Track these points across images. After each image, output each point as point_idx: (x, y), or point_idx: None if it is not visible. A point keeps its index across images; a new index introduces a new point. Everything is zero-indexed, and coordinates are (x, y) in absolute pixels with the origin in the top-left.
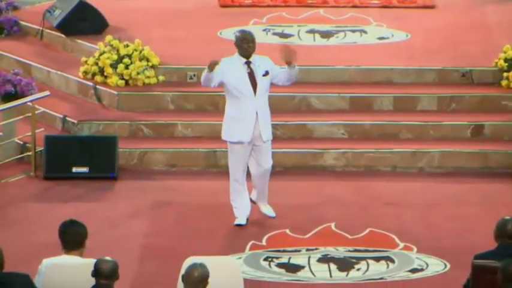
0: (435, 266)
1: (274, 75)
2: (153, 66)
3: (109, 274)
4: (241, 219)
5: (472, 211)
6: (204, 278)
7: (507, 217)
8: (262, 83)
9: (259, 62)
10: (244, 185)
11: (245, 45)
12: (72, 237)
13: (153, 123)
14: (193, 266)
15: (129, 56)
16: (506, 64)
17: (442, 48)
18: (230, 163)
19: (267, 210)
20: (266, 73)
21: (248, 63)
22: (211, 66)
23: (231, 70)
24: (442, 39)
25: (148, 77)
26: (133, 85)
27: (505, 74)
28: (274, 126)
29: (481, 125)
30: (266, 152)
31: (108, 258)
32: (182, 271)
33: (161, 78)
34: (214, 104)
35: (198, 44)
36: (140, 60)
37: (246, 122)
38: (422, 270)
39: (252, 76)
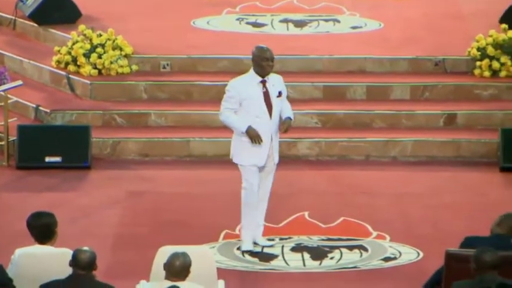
0: (408, 254)
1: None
2: (126, 56)
3: (86, 265)
4: (248, 244)
5: (445, 200)
6: (185, 266)
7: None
8: (277, 104)
9: (273, 80)
10: (257, 206)
11: (264, 63)
12: (40, 231)
13: (126, 112)
14: (175, 255)
15: (102, 46)
16: (479, 53)
17: (415, 38)
18: (244, 180)
19: (264, 242)
20: (279, 94)
21: (263, 82)
22: (252, 138)
23: (247, 91)
24: (415, 29)
25: (121, 66)
26: (107, 74)
27: (477, 63)
28: None
29: (454, 114)
30: (271, 172)
31: (86, 248)
32: (156, 260)
33: (134, 67)
34: (188, 93)
35: (171, 33)
36: (113, 49)
37: (262, 146)
38: (395, 258)
39: (267, 97)
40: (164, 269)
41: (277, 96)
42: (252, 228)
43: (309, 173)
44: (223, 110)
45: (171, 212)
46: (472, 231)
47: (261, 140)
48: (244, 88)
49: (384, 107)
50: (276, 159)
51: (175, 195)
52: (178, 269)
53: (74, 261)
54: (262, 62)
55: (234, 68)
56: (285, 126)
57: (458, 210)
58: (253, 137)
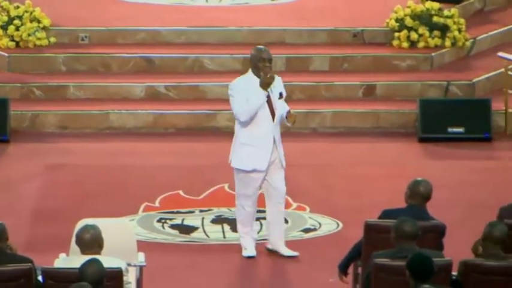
0: (328, 225)
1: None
2: (44, 28)
3: None
4: (250, 251)
5: (364, 171)
6: (96, 238)
7: (419, 178)
8: (279, 107)
9: (274, 82)
10: (254, 214)
11: (260, 64)
12: None
13: (44, 85)
14: (84, 229)
15: (20, 18)
16: (397, 24)
17: (334, 9)
18: (239, 191)
19: (288, 251)
20: (280, 95)
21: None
22: (267, 85)
23: (248, 91)
24: (334, 0)
25: (39, 38)
26: (24, 47)
27: (396, 34)
28: (167, 88)
29: (372, 85)
30: (282, 176)
31: None
32: (75, 233)
33: (52, 39)
34: (106, 66)
35: (89, 5)
36: (31, 21)
37: (263, 149)
38: (315, 229)
39: (269, 99)
40: (76, 244)
41: (279, 98)
42: (251, 234)
43: (228, 145)
44: (237, 112)
45: (90, 185)
46: (391, 201)
47: (273, 77)
48: (244, 88)
49: (303, 79)
50: (284, 162)
51: (95, 167)
52: (88, 242)
53: None
54: (259, 63)
55: (152, 40)
56: (293, 118)
57: (378, 181)
58: (266, 81)
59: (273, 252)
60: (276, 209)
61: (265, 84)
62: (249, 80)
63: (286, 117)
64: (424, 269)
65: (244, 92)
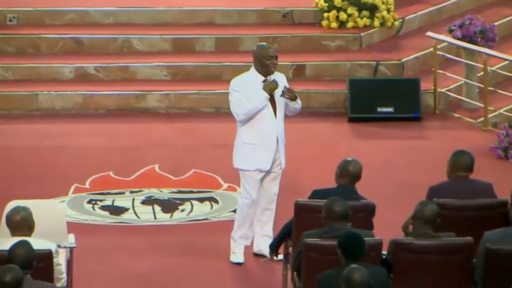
0: None
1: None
2: None
3: None
4: (239, 256)
5: (296, 151)
6: (26, 220)
7: (349, 158)
8: (281, 103)
9: (276, 79)
10: (253, 217)
11: (268, 61)
12: None
13: None
14: (15, 210)
15: None
16: (327, 4)
17: None
18: (243, 191)
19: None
20: (283, 94)
21: (266, 81)
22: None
23: (251, 91)
24: None
25: None
26: None
27: (325, 15)
28: (96, 69)
29: (302, 65)
30: (277, 179)
31: None
32: (5, 215)
33: None
34: (36, 47)
35: None
36: None
37: (266, 148)
38: None
39: (271, 96)
40: (6, 225)
41: (281, 95)
42: (243, 241)
43: (158, 125)
44: (236, 112)
45: (20, 167)
46: (321, 181)
47: (276, 81)
48: (247, 87)
49: (233, 59)
50: (283, 164)
51: (24, 149)
52: (18, 223)
53: None
54: (266, 61)
55: (81, 21)
56: (292, 92)
57: (308, 161)
58: (270, 86)
59: (259, 256)
60: (267, 210)
61: (269, 90)
62: (252, 78)
63: (284, 95)
64: (356, 247)
65: (246, 91)
